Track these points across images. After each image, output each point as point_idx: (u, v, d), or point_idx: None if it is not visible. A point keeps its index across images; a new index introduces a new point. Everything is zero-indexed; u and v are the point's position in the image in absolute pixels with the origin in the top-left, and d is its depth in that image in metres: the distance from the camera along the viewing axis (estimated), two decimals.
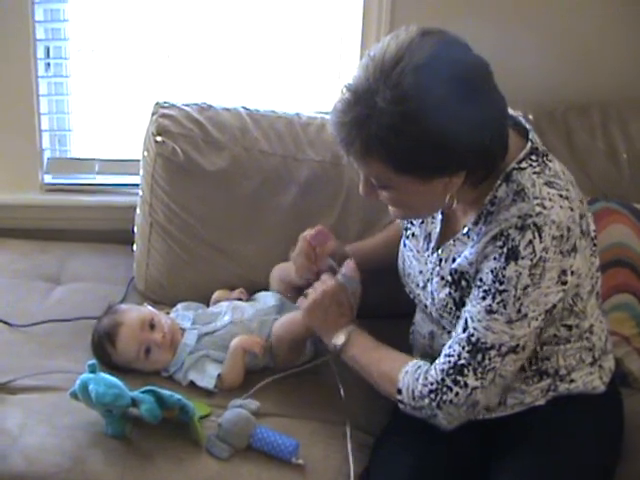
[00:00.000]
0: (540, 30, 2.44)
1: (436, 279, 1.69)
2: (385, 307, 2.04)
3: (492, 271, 1.52)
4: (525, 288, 1.50)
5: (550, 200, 1.51)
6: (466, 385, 1.56)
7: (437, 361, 1.61)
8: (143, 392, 1.69)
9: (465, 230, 1.63)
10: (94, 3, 2.51)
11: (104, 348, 1.92)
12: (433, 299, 1.71)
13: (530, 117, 2.32)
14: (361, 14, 2.44)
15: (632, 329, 2.10)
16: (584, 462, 1.65)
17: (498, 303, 1.52)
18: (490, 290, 1.52)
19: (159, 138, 2.15)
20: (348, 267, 1.87)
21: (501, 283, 1.51)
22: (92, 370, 1.69)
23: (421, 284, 1.76)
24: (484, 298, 1.53)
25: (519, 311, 1.51)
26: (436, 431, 1.64)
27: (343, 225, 2.21)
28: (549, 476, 1.62)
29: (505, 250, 1.50)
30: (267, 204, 2.20)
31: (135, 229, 2.32)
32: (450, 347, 1.59)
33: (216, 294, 2.14)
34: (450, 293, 1.65)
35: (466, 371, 1.56)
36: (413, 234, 1.81)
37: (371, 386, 1.73)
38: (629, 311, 2.11)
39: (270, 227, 2.20)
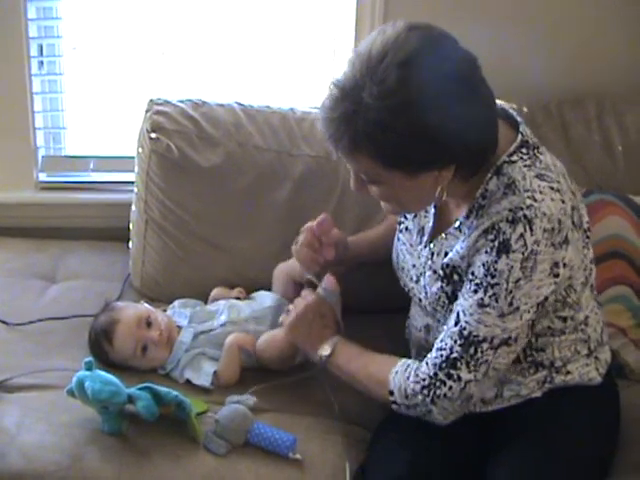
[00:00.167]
0: (535, 23, 2.44)
1: (428, 273, 1.69)
2: (380, 301, 2.04)
3: (484, 265, 1.52)
4: (517, 281, 1.50)
5: (541, 193, 1.51)
6: (459, 378, 1.56)
7: (429, 355, 1.61)
8: (140, 389, 1.69)
9: (457, 224, 1.63)
10: (87, 0, 2.50)
11: (101, 346, 1.92)
12: (426, 293, 1.71)
13: (525, 110, 2.32)
14: (354, 10, 2.43)
15: (628, 321, 2.10)
16: (581, 454, 1.66)
17: (490, 296, 1.52)
18: (482, 283, 1.52)
19: (153, 135, 2.15)
20: (328, 281, 1.86)
21: (493, 276, 1.51)
22: (88, 367, 1.69)
23: (414, 278, 1.76)
24: (476, 291, 1.54)
25: (511, 304, 1.51)
26: (433, 426, 1.64)
27: (338, 220, 2.19)
28: (546, 468, 1.62)
29: (496, 243, 1.50)
30: (262, 200, 2.20)
31: (130, 226, 2.32)
32: (442, 341, 1.59)
33: (215, 291, 2.14)
34: (442, 287, 1.65)
35: (459, 364, 1.56)
36: (407, 228, 1.81)
37: None
38: (625, 303, 2.11)
39: (265, 223, 2.20)
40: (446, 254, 1.64)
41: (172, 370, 1.93)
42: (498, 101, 1.65)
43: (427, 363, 1.61)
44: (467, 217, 1.61)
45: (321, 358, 1.76)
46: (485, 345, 1.54)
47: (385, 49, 1.42)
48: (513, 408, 1.71)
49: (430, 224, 1.73)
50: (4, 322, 2.08)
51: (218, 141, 2.18)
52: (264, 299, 2.05)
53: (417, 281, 1.75)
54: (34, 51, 2.48)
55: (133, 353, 1.90)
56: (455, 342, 1.56)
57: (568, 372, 1.70)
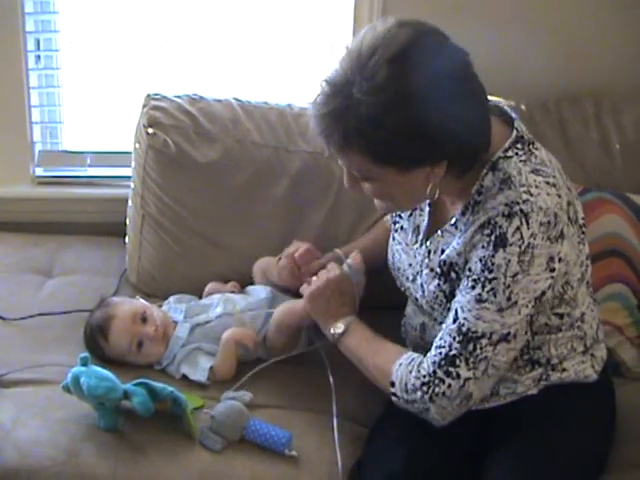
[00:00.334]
0: (534, 21, 2.44)
1: (425, 271, 1.69)
2: (376, 299, 2.03)
3: (481, 260, 1.52)
4: (514, 275, 1.50)
5: (537, 187, 1.51)
6: (458, 376, 1.56)
7: (429, 354, 1.61)
8: (135, 385, 1.69)
9: (453, 221, 1.63)
10: None
11: (96, 341, 1.92)
12: (423, 292, 1.71)
13: (523, 107, 2.32)
14: (352, 5, 2.43)
15: (625, 319, 2.10)
16: (576, 451, 1.66)
17: (488, 292, 1.52)
18: (479, 279, 1.52)
19: (150, 130, 2.14)
20: (354, 259, 1.87)
21: (490, 271, 1.51)
22: (84, 363, 1.69)
23: (411, 277, 1.76)
24: (474, 287, 1.53)
25: (509, 299, 1.51)
26: (429, 423, 1.63)
27: (335, 216, 2.21)
28: (542, 466, 1.62)
29: (493, 238, 1.50)
30: (259, 195, 2.20)
31: (127, 221, 2.31)
32: (441, 338, 1.59)
33: (209, 286, 2.14)
34: (439, 285, 1.65)
35: (458, 362, 1.56)
36: (402, 227, 1.81)
37: (365, 377, 1.73)
38: (622, 301, 2.11)
39: (262, 218, 2.20)
40: (443, 251, 1.64)
41: (168, 365, 1.93)
42: (493, 98, 1.65)
43: (427, 360, 1.60)
44: (463, 214, 1.60)
45: (333, 335, 1.76)
46: (484, 341, 1.54)
47: (375, 45, 1.42)
48: (509, 405, 1.71)
49: (425, 222, 1.73)
50: (0, 317, 2.08)
51: (215, 137, 2.18)
52: (258, 292, 2.05)
53: (413, 280, 1.75)
54: (31, 45, 2.48)
55: (129, 349, 1.90)
56: (454, 339, 1.56)
57: (564, 369, 1.70)
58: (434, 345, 1.60)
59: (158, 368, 1.93)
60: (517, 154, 1.57)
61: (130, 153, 2.26)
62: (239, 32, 2.52)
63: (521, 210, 1.48)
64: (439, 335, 1.60)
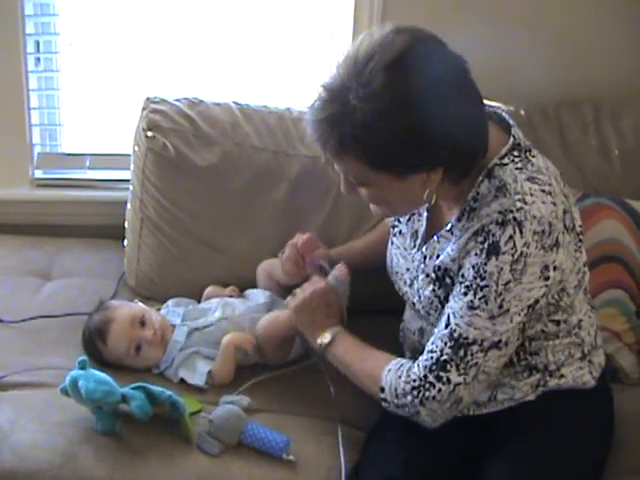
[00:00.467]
0: (533, 27, 2.44)
1: (421, 276, 1.69)
2: (375, 304, 2.03)
3: (473, 267, 1.52)
4: (507, 283, 1.50)
5: (532, 195, 1.51)
6: (449, 381, 1.56)
7: (420, 358, 1.61)
8: (133, 388, 1.69)
9: (448, 226, 1.63)
10: None
11: (95, 344, 1.92)
12: (419, 296, 1.71)
13: (522, 112, 2.32)
14: (352, 9, 2.43)
15: (623, 325, 2.10)
16: (574, 457, 1.66)
17: (480, 299, 1.52)
18: (472, 286, 1.52)
19: (150, 133, 2.14)
20: (339, 270, 1.88)
21: (482, 279, 1.51)
22: (82, 366, 1.69)
23: (408, 282, 1.76)
24: (466, 294, 1.54)
25: (501, 306, 1.51)
26: (427, 427, 1.64)
27: (334, 220, 2.21)
28: (539, 472, 1.62)
29: (486, 245, 1.50)
30: (258, 199, 2.20)
31: (126, 224, 2.31)
32: (432, 343, 1.59)
33: (208, 290, 2.14)
34: (434, 290, 1.65)
35: (449, 367, 1.56)
36: (400, 231, 1.81)
37: None
38: (620, 307, 2.11)
39: (261, 222, 2.20)
40: (438, 257, 1.64)
41: (166, 369, 1.93)
42: (491, 103, 1.66)
43: (418, 365, 1.61)
44: (459, 220, 1.61)
45: (320, 346, 1.76)
46: (475, 347, 1.54)
47: (372, 51, 1.43)
48: (507, 411, 1.71)
49: (423, 227, 1.73)
50: None
51: (215, 140, 2.17)
52: (257, 296, 2.05)
53: (411, 285, 1.75)
54: (31, 47, 2.48)
55: (127, 352, 1.90)
56: (445, 344, 1.56)
57: (562, 376, 1.70)
58: (426, 349, 1.61)
59: (156, 372, 1.93)
60: (513, 161, 1.57)
61: (129, 156, 2.26)
62: (239, 36, 2.51)
63: (515, 218, 1.48)
64: (431, 339, 1.61)
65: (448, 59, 1.48)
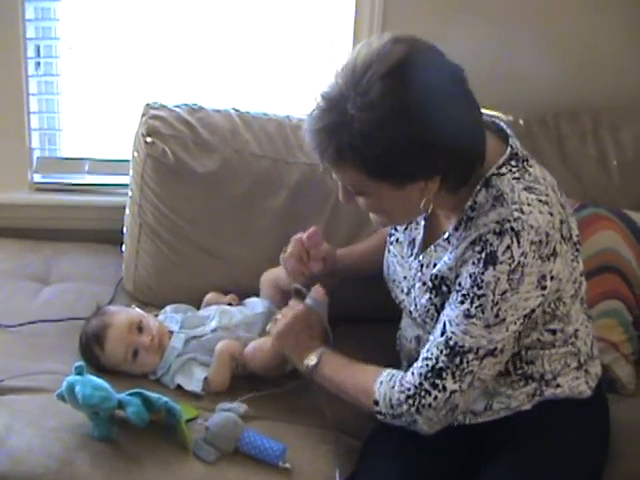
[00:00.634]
0: (533, 37, 2.44)
1: (418, 285, 1.70)
2: (372, 312, 2.03)
3: (471, 275, 1.52)
4: (503, 293, 1.50)
5: (529, 205, 1.51)
6: (444, 388, 1.57)
7: (415, 365, 1.61)
8: (130, 394, 1.68)
9: (446, 235, 1.64)
10: (85, 2, 2.50)
11: (92, 350, 1.91)
12: (416, 305, 1.71)
13: (521, 122, 2.33)
14: (353, 17, 2.44)
15: (620, 335, 2.10)
16: (570, 467, 1.66)
17: (476, 307, 1.52)
18: (468, 294, 1.53)
19: (149, 139, 2.14)
20: (316, 291, 1.87)
21: (479, 288, 1.51)
22: (79, 372, 1.69)
23: (405, 290, 1.76)
24: (462, 302, 1.54)
25: (497, 315, 1.51)
26: (423, 437, 1.64)
27: (333, 228, 2.21)
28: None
29: (483, 255, 1.51)
30: (257, 207, 2.19)
31: (124, 230, 2.31)
32: (428, 351, 1.59)
33: (209, 296, 2.14)
34: (431, 299, 1.65)
35: (444, 374, 1.56)
36: (397, 240, 1.81)
37: None
38: (617, 317, 2.11)
39: (260, 230, 2.20)
40: (435, 265, 1.64)
41: (163, 375, 1.93)
42: (489, 113, 1.66)
43: (413, 373, 1.61)
44: (456, 229, 1.61)
45: (307, 368, 1.76)
46: (471, 355, 1.54)
47: (370, 61, 1.43)
48: (503, 420, 1.71)
49: (420, 236, 1.74)
50: None
51: (214, 147, 2.17)
52: (255, 305, 2.05)
53: (408, 293, 1.75)
54: (31, 52, 2.48)
55: (124, 358, 1.90)
56: (441, 352, 1.57)
57: (558, 385, 1.71)
58: (421, 356, 1.61)
59: (153, 378, 1.93)
60: (511, 171, 1.57)
61: (128, 161, 2.26)
62: (239, 43, 2.52)
63: (512, 228, 1.49)
64: (426, 347, 1.61)
65: (446, 68, 1.49)
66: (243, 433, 1.72)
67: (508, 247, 1.49)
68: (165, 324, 2.00)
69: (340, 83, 1.46)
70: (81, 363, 1.72)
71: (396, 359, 1.88)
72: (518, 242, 1.48)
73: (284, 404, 1.89)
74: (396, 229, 1.83)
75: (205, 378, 1.89)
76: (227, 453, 1.72)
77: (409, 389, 1.60)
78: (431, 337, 1.61)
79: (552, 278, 1.53)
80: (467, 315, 1.53)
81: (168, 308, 2.09)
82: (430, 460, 1.68)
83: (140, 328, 1.92)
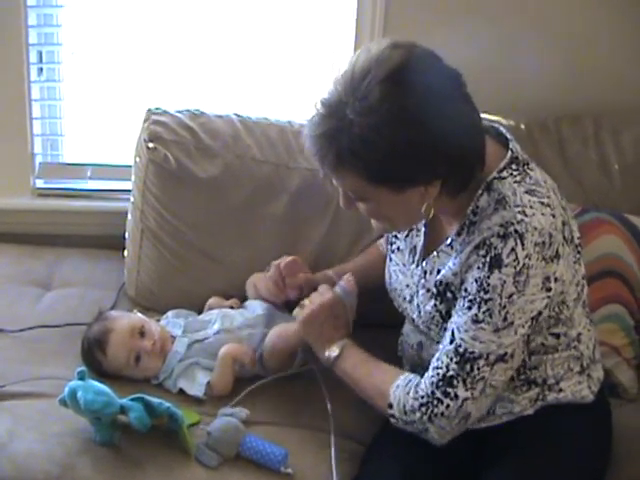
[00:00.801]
0: (534, 41, 2.45)
1: (422, 292, 1.70)
2: (373, 317, 2.03)
3: (476, 280, 1.52)
4: (510, 296, 1.50)
5: (531, 207, 1.51)
6: (456, 397, 1.56)
7: (426, 374, 1.61)
8: (132, 400, 1.69)
9: (448, 241, 1.64)
10: (87, 8, 2.50)
11: (94, 355, 1.91)
12: (420, 312, 1.71)
13: (522, 126, 2.33)
14: (354, 22, 2.44)
15: (622, 340, 2.10)
16: (572, 472, 1.66)
17: (484, 312, 1.52)
18: (475, 299, 1.53)
19: (151, 145, 2.14)
20: (347, 281, 1.87)
21: (486, 292, 1.51)
22: (81, 377, 1.69)
23: (408, 298, 1.76)
24: (470, 308, 1.54)
25: (505, 319, 1.51)
26: (425, 441, 1.63)
27: (334, 233, 2.21)
28: None
29: (488, 259, 1.51)
30: (259, 212, 2.20)
31: (126, 235, 2.31)
32: (438, 359, 1.59)
33: (211, 301, 2.14)
34: (436, 305, 1.65)
35: (455, 382, 1.56)
36: (398, 248, 1.81)
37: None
38: (619, 322, 2.11)
39: (261, 235, 2.20)
40: (439, 272, 1.64)
41: (165, 380, 1.93)
42: (489, 117, 1.66)
43: (425, 381, 1.60)
44: (458, 234, 1.61)
45: (329, 359, 1.76)
46: (481, 362, 1.54)
47: (368, 66, 1.44)
48: (505, 425, 1.71)
49: (421, 243, 1.74)
50: None
51: (216, 152, 2.18)
52: (255, 307, 2.04)
53: (410, 301, 1.75)
54: (33, 58, 2.49)
55: (126, 363, 1.90)
56: (451, 360, 1.56)
57: (561, 390, 1.70)
58: (431, 366, 1.60)
59: (155, 382, 1.93)
60: (512, 175, 1.57)
61: (130, 167, 2.26)
62: (241, 48, 2.52)
63: (516, 231, 1.49)
64: (436, 356, 1.60)
65: (444, 73, 1.50)
66: (245, 438, 1.72)
67: (512, 249, 1.49)
68: (167, 329, 2.00)
69: (339, 89, 1.46)
70: (83, 368, 1.72)
71: (399, 364, 1.88)
72: (522, 244, 1.49)
73: (286, 409, 1.89)
74: (397, 237, 1.83)
75: (208, 382, 1.89)
76: (229, 458, 1.72)
77: (422, 397, 1.59)
78: (440, 346, 1.61)
79: (556, 280, 1.54)
80: (475, 320, 1.53)
81: (170, 313, 2.09)
82: (431, 465, 1.67)
83: (142, 333, 1.92)
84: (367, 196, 1.54)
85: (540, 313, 1.55)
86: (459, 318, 1.56)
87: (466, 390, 1.56)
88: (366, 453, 1.79)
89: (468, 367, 1.55)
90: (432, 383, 1.58)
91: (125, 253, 2.32)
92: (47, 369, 1.93)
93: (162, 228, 2.20)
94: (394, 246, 1.83)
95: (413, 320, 1.76)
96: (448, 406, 1.57)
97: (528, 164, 1.62)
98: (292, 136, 2.25)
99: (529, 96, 2.47)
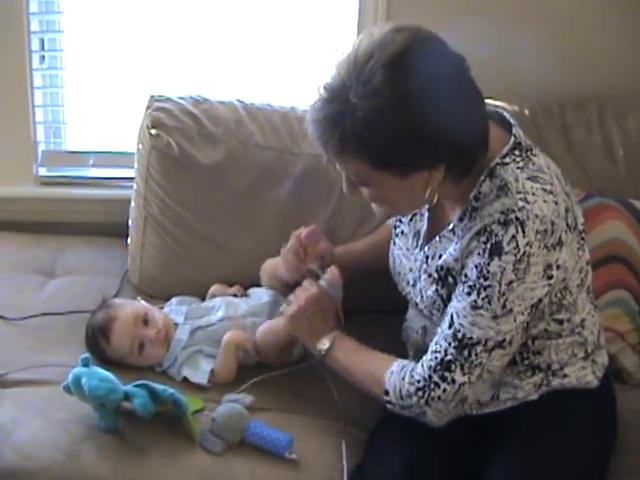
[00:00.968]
0: (538, 26, 2.44)
1: (424, 276, 1.69)
2: (378, 303, 2.03)
3: (476, 267, 1.52)
4: (510, 283, 1.49)
5: (533, 194, 1.51)
6: (454, 381, 1.56)
7: (424, 358, 1.61)
8: (136, 386, 1.69)
9: (450, 226, 1.63)
10: None
11: (98, 343, 1.92)
12: (422, 296, 1.71)
13: (526, 112, 2.32)
14: (357, 7, 2.43)
15: (626, 325, 2.10)
16: (577, 457, 1.66)
17: (483, 299, 1.51)
18: (475, 286, 1.52)
19: (154, 131, 2.14)
20: (332, 273, 1.87)
21: (485, 279, 1.51)
22: (85, 364, 1.69)
23: (411, 282, 1.76)
24: (469, 294, 1.53)
25: (504, 306, 1.51)
26: (429, 427, 1.64)
27: (338, 219, 2.21)
28: (542, 471, 1.62)
29: (489, 246, 1.50)
30: (262, 198, 2.19)
31: (129, 222, 2.31)
32: (436, 343, 1.59)
33: (213, 288, 2.14)
34: (437, 290, 1.65)
35: (453, 367, 1.56)
36: (402, 232, 1.81)
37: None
38: (624, 307, 2.11)
39: (265, 221, 2.20)
40: (440, 257, 1.64)
41: (169, 368, 1.93)
42: (492, 102, 1.65)
43: (422, 365, 1.61)
44: (460, 220, 1.61)
45: (320, 352, 1.76)
46: (479, 347, 1.54)
47: (371, 50, 1.43)
48: (510, 410, 1.71)
49: (425, 227, 1.73)
50: (2, 317, 2.09)
51: (219, 138, 2.17)
52: (260, 295, 2.05)
53: (414, 285, 1.75)
54: (35, 45, 2.48)
55: (130, 351, 1.90)
56: (449, 344, 1.56)
57: (565, 375, 1.70)
58: (430, 349, 1.61)
59: (159, 370, 1.93)
60: (515, 160, 1.57)
61: (133, 154, 2.26)
62: (244, 34, 2.51)
63: (517, 218, 1.48)
64: (434, 339, 1.61)
65: (447, 57, 1.49)
66: (249, 424, 1.72)
67: (513, 237, 1.48)
68: (170, 316, 2.00)
69: (342, 73, 1.45)
70: (87, 355, 1.72)
71: (403, 349, 1.88)
72: (523, 232, 1.48)
73: (290, 395, 1.90)
74: (401, 221, 1.83)
75: (211, 370, 1.89)
76: (233, 444, 1.72)
77: (419, 381, 1.59)
78: (439, 330, 1.61)
79: (558, 267, 1.53)
80: (474, 307, 1.53)
81: (173, 300, 2.10)
82: (436, 449, 1.67)
83: (146, 321, 1.92)
84: (370, 181, 1.54)
85: (540, 300, 1.54)
86: (458, 303, 1.56)
87: (463, 375, 1.56)
88: (369, 439, 1.79)
89: (466, 352, 1.55)
90: (430, 367, 1.58)
91: (128, 240, 2.32)
92: (51, 356, 1.93)
93: (165, 215, 2.19)
94: (398, 230, 1.83)
95: (417, 304, 1.75)
96: (445, 390, 1.57)
97: (531, 150, 1.61)
98: (295, 122, 2.25)
99: (533, 82, 2.46)
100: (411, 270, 1.76)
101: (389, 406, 1.66)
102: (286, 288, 1.98)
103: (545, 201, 1.51)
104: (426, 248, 1.70)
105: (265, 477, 1.69)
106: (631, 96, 2.43)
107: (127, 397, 1.68)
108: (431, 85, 1.42)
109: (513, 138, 1.60)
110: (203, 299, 2.11)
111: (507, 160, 1.57)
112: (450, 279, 1.62)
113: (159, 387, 1.69)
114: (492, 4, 2.42)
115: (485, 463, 1.66)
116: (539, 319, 1.62)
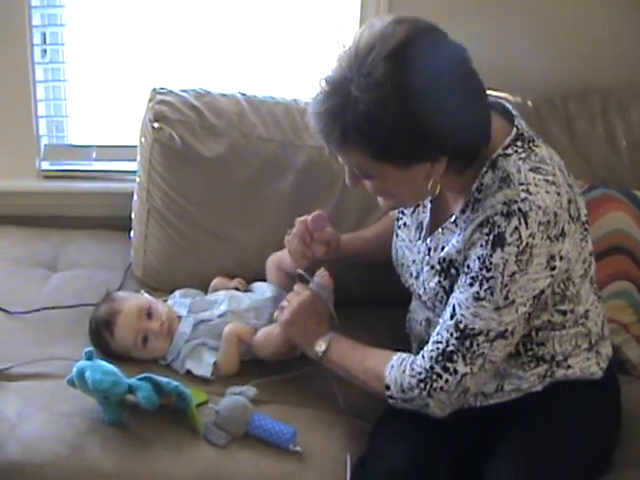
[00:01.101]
0: (540, 17, 2.44)
1: (426, 268, 1.69)
2: (381, 295, 2.03)
3: (479, 258, 1.52)
4: (512, 275, 1.49)
5: (536, 186, 1.51)
6: (456, 371, 1.56)
7: (425, 348, 1.61)
8: (140, 379, 1.69)
9: (453, 218, 1.63)
10: None
11: (101, 336, 1.92)
12: (425, 288, 1.71)
13: (529, 103, 2.32)
14: (359, 0, 2.42)
15: (630, 316, 2.10)
16: (581, 448, 1.66)
17: (485, 290, 1.51)
18: (477, 277, 1.52)
19: (156, 124, 2.14)
20: (321, 276, 1.86)
21: (488, 270, 1.51)
22: (89, 357, 1.69)
23: (414, 274, 1.76)
24: (471, 285, 1.53)
25: (506, 297, 1.51)
26: (433, 419, 1.64)
27: (341, 211, 2.21)
28: (545, 462, 1.62)
29: (491, 237, 1.50)
30: (265, 190, 2.19)
31: (132, 215, 2.31)
32: (438, 334, 1.59)
33: (215, 281, 2.14)
34: (440, 282, 1.65)
35: (455, 357, 1.56)
36: (405, 224, 1.81)
37: None
38: (627, 299, 2.11)
39: (268, 213, 2.20)
40: (443, 249, 1.64)
41: (173, 361, 1.93)
42: (498, 94, 1.65)
43: (423, 356, 1.61)
44: (463, 211, 1.60)
45: (317, 354, 1.76)
46: (481, 338, 1.54)
47: (372, 42, 1.43)
48: (514, 402, 1.71)
49: (427, 219, 1.73)
50: (5, 311, 2.09)
51: (221, 131, 2.17)
52: (264, 290, 2.05)
53: (417, 277, 1.75)
54: (37, 39, 2.48)
55: (134, 344, 1.90)
56: (451, 335, 1.56)
57: (569, 366, 1.70)
58: (431, 340, 1.61)
59: (163, 363, 1.93)
60: (517, 152, 1.56)
61: (136, 147, 2.26)
62: (246, 27, 2.51)
63: (519, 209, 1.48)
64: (436, 330, 1.61)
65: (449, 48, 1.48)
66: (253, 416, 1.73)
67: (516, 228, 1.48)
68: (174, 309, 2.00)
69: (343, 66, 1.45)
70: (91, 348, 1.73)
71: (406, 341, 1.88)
72: (526, 223, 1.48)
73: (294, 388, 1.89)
74: (403, 213, 1.82)
75: (214, 363, 1.89)
76: (237, 437, 1.72)
77: (420, 373, 1.60)
78: (441, 320, 1.61)
79: (561, 258, 1.53)
80: (476, 298, 1.53)
81: (177, 293, 2.10)
82: (440, 441, 1.68)
83: (149, 314, 1.92)
84: (372, 173, 1.54)
85: (543, 292, 1.54)
86: (461, 294, 1.56)
87: (465, 365, 1.56)
88: (373, 431, 1.79)
89: (468, 343, 1.55)
90: (431, 357, 1.59)
91: (132, 234, 2.32)
92: (55, 350, 1.93)
93: (168, 208, 2.19)
94: (400, 222, 1.83)
95: (420, 296, 1.75)
96: (447, 380, 1.57)
97: (534, 141, 1.61)
98: (298, 114, 2.24)
99: (536, 73, 2.46)
100: (414, 262, 1.76)
101: (391, 401, 1.66)
102: (292, 283, 1.98)
103: (547, 192, 1.50)
104: (428, 240, 1.70)
105: (269, 469, 1.69)
106: (634, 88, 2.42)
107: (131, 390, 1.68)
108: (432, 77, 1.41)
109: (515, 129, 1.60)
110: (206, 292, 2.11)
111: (509, 151, 1.57)
112: (453, 271, 1.62)
113: (163, 380, 1.70)
114: None
115: (488, 455, 1.66)
116: (542, 310, 1.62)
